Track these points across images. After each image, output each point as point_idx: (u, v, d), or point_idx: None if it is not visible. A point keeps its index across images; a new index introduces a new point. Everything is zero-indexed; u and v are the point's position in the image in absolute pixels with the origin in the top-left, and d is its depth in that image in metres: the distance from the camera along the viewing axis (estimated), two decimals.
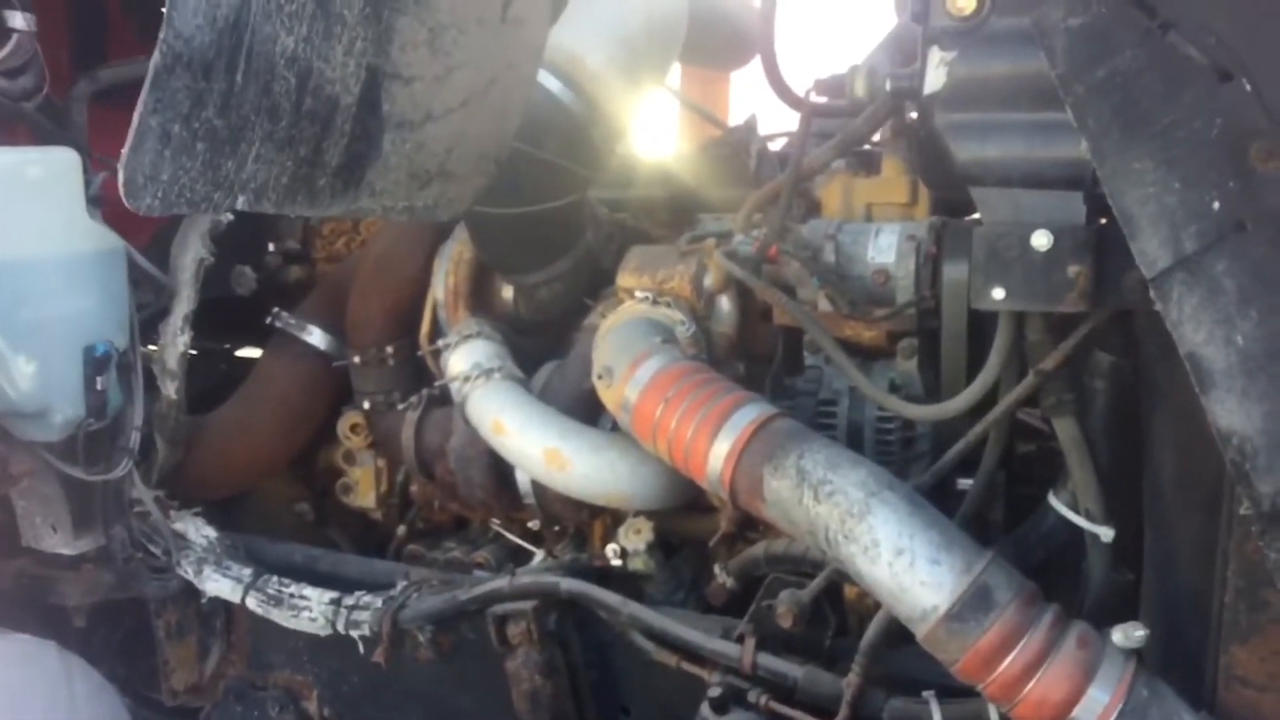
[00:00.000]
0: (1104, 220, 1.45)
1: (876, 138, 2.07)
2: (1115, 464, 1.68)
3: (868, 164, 2.14)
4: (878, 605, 1.66)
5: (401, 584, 2.16)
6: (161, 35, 1.15)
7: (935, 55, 1.51)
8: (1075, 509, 1.69)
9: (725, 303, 2.04)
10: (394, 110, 1.43)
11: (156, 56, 1.16)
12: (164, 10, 1.15)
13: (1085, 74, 1.20)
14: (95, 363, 2.04)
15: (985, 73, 1.49)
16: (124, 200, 1.20)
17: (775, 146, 2.49)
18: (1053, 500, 1.73)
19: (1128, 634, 1.42)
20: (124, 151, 1.19)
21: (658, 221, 2.37)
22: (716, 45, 3.03)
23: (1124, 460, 1.67)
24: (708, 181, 2.35)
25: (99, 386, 2.05)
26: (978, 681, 1.45)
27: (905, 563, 1.47)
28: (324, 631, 2.16)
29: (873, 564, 1.50)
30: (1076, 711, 1.40)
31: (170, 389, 2.28)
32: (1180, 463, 1.52)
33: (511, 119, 1.72)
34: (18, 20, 1.97)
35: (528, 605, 2.00)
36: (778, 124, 2.58)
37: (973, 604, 1.43)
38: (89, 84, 2.27)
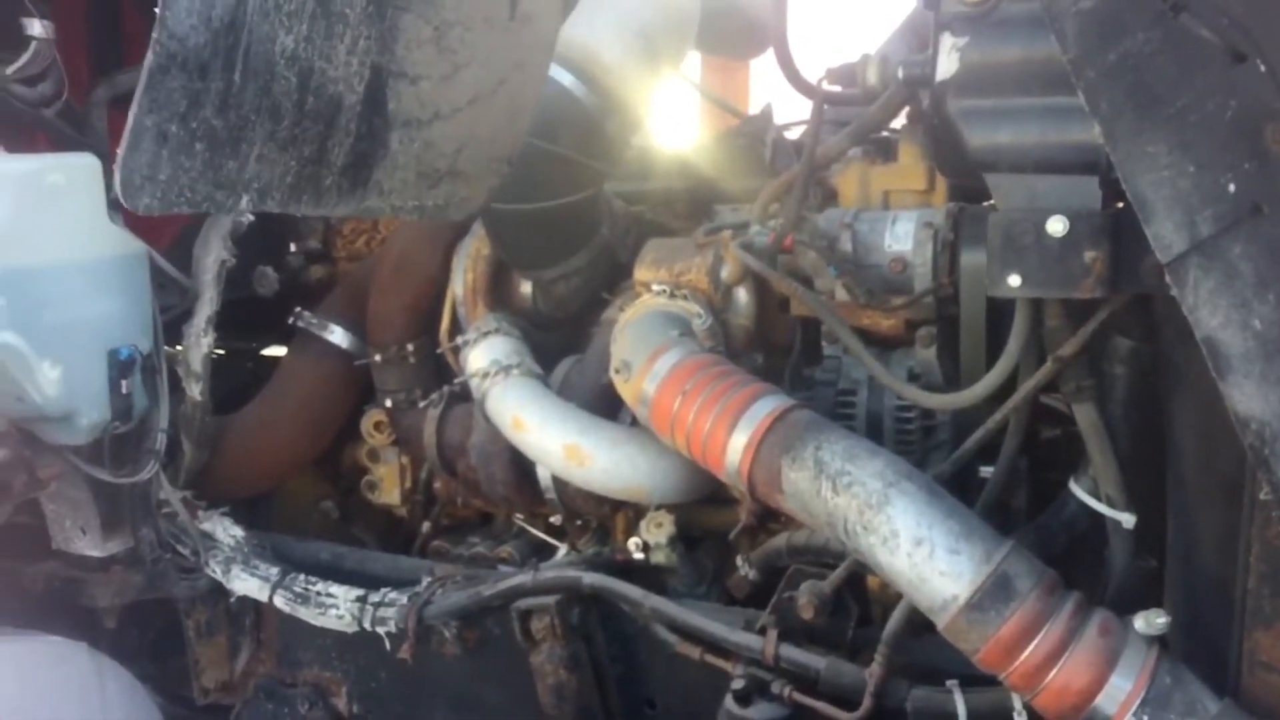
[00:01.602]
0: (1120, 205, 1.44)
1: (896, 124, 2.06)
2: (1136, 449, 1.66)
3: (884, 151, 2.12)
4: (900, 595, 1.65)
5: (426, 580, 2.17)
6: (154, 35, 1.16)
7: (947, 41, 1.50)
8: (1096, 495, 1.68)
9: (742, 294, 2.04)
10: (400, 109, 1.43)
11: (150, 57, 1.16)
12: (157, 10, 1.16)
13: (1097, 57, 1.19)
14: (119, 366, 2.06)
15: (997, 58, 1.48)
16: (121, 199, 1.21)
17: (793, 135, 2.48)
18: (1073, 487, 1.72)
19: (1150, 621, 1.41)
20: (119, 151, 1.20)
21: (676, 214, 2.37)
22: (734, 33, 3.01)
23: (1145, 445, 1.66)
24: (725, 172, 2.34)
25: (124, 390, 2.07)
26: (999, 671, 1.45)
27: (924, 553, 1.47)
28: (351, 629, 2.18)
29: (892, 555, 1.49)
30: (1099, 700, 1.39)
31: (195, 390, 2.30)
32: (1201, 447, 1.51)
33: (523, 117, 1.71)
34: (35, 28, 1.99)
35: (551, 600, 2.00)
36: (797, 113, 2.55)
37: (993, 593, 1.42)
38: (108, 89, 2.28)
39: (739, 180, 2.32)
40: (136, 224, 2.15)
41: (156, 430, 2.20)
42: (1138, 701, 1.38)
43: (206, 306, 2.28)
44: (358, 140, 1.39)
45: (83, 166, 2.00)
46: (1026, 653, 1.41)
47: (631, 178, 2.39)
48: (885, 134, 2.13)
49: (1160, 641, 1.43)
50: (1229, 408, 1.17)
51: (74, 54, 2.27)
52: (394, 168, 1.47)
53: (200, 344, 2.28)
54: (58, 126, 2.15)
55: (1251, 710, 1.38)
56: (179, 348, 2.33)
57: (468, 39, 1.48)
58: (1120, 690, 1.39)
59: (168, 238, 2.43)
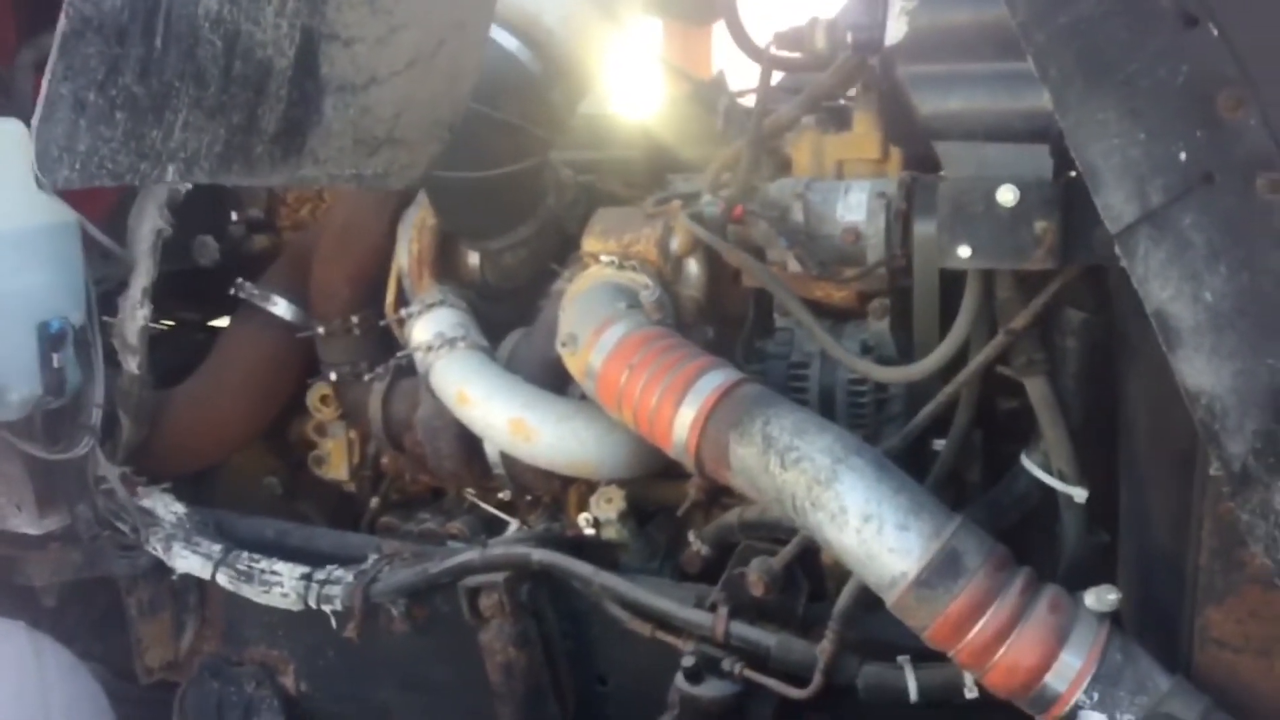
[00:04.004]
0: (1072, 174, 1.41)
1: (851, 92, 2.02)
2: (1089, 423, 1.64)
3: (839, 120, 2.08)
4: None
5: (373, 557, 2.13)
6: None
7: (897, 4, 1.45)
8: (1048, 469, 1.66)
9: (693, 265, 2.00)
10: (334, 73, 1.37)
11: (63, 21, 1.11)
12: None
13: (1047, 21, 1.15)
14: (50, 339, 2.00)
15: (948, 21, 1.44)
16: (37, 173, 1.15)
17: (748, 103, 2.42)
18: (1025, 461, 1.70)
19: (1100, 597, 1.40)
20: (34, 121, 1.14)
21: (629, 183, 2.32)
22: None
23: (1098, 419, 1.64)
24: (678, 140, 2.30)
25: (55, 363, 2.01)
26: (948, 648, 1.43)
27: (873, 529, 1.45)
28: (296, 607, 2.14)
29: (840, 531, 1.47)
30: (1048, 677, 1.38)
31: (131, 364, 2.23)
32: (1154, 421, 1.49)
33: (464, 82, 1.66)
34: None
35: (499, 577, 1.97)
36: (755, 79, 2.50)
37: (941, 570, 1.41)
38: (34, 52, 2.20)
39: (693, 148, 2.27)
40: (70, 192, 2.07)
41: (92, 405, 2.14)
42: (1088, 679, 1.36)
43: (142, 277, 2.20)
44: (289, 106, 1.34)
45: (8, 133, 1.93)
46: (975, 630, 1.39)
47: (583, 146, 2.34)
48: (840, 102, 2.09)
49: (1112, 618, 1.41)
50: (1179, 382, 1.14)
51: None
52: (329, 134, 1.41)
53: (136, 316, 2.21)
54: None
55: (1203, 686, 1.37)
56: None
57: (403, 0, 1.42)
58: (1070, 667, 1.37)
59: (103, 206, 2.34)
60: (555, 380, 2.04)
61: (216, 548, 2.22)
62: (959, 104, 1.43)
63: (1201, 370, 1.13)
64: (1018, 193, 1.38)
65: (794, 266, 1.85)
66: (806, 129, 2.04)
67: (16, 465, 2.17)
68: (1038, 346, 1.61)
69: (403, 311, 2.25)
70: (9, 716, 2.11)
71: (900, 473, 1.51)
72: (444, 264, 2.29)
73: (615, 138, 2.37)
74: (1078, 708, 1.36)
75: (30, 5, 2.23)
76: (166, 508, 2.30)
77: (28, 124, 1.90)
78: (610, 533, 2.03)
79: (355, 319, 2.33)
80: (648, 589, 1.87)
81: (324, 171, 1.47)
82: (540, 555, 1.95)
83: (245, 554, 2.21)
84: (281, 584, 2.15)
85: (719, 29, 3.74)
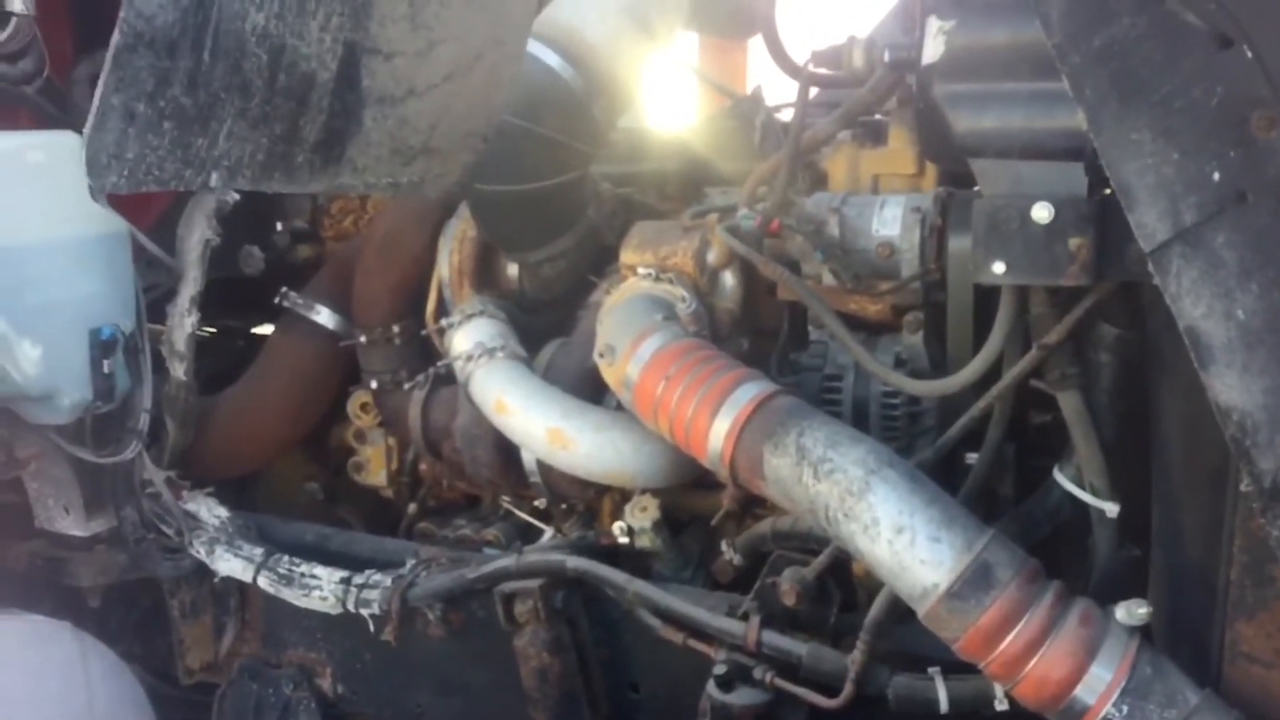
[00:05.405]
0: (1107, 191, 1.42)
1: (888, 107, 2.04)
2: (1121, 438, 1.66)
3: (875, 134, 2.11)
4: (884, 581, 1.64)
5: (411, 562, 2.16)
6: (121, 14, 1.15)
7: (934, 24, 1.48)
8: (1080, 483, 1.67)
9: (729, 278, 2.03)
10: (374, 86, 1.41)
11: (116, 36, 1.15)
12: None
13: (1082, 42, 1.18)
14: (101, 346, 2.04)
15: (984, 42, 1.47)
16: (87, 178, 1.20)
17: (784, 118, 2.45)
18: (1058, 475, 1.71)
19: (1131, 611, 1.41)
20: (85, 131, 1.19)
21: (666, 196, 2.35)
22: (729, 14, 2.99)
23: (1130, 434, 1.65)
24: (715, 154, 2.33)
25: (106, 369, 2.05)
26: (979, 660, 1.44)
27: (905, 541, 1.46)
28: (335, 610, 2.17)
29: (873, 542, 1.49)
30: (1078, 690, 1.39)
31: (179, 370, 2.28)
32: (1187, 436, 1.50)
33: (498, 94, 1.70)
34: (16, 3, 1.96)
35: (534, 584, 1.99)
36: (792, 94, 2.52)
37: (973, 582, 1.42)
38: (90, 66, 2.26)
39: (729, 162, 2.30)
40: (119, 202, 2.12)
41: (139, 410, 2.18)
42: (1118, 692, 1.37)
43: (190, 286, 2.25)
44: (330, 117, 1.38)
45: (64, 145, 1.97)
46: (1006, 642, 1.41)
47: (621, 159, 2.37)
48: (876, 117, 2.12)
49: (1142, 632, 1.42)
50: (1210, 398, 1.16)
51: (56, 30, 2.24)
52: (367, 144, 1.46)
53: (184, 324, 2.26)
54: (39, 104, 2.13)
55: (1233, 701, 1.38)
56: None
57: (443, 15, 1.46)
58: (1100, 680, 1.38)
59: (151, 216, 2.40)
60: (592, 390, 2.08)
61: (258, 551, 2.27)
62: (994, 122, 1.46)
63: (1233, 387, 1.15)
64: (1052, 210, 1.39)
65: (829, 280, 1.88)
66: (842, 144, 2.07)
67: (65, 468, 2.22)
68: (1071, 361, 1.63)
69: (443, 321, 2.29)
70: (55, 716, 2.15)
71: (933, 485, 1.52)
72: (483, 275, 2.33)
73: (653, 151, 2.41)
74: None
75: (87, 21, 2.29)
76: (210, 511, 2.34)
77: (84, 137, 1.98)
78: (644, 541, 2.06)
79: (396, 328, 2.37)
80: (680, 597, 1.89)
81: (361, 180, 1.51)
82: (575, 562, 1.98)
83: (286, 558, 2.25)
84: (321, 587, 2.18)
85: (755, 43, 3.78)
